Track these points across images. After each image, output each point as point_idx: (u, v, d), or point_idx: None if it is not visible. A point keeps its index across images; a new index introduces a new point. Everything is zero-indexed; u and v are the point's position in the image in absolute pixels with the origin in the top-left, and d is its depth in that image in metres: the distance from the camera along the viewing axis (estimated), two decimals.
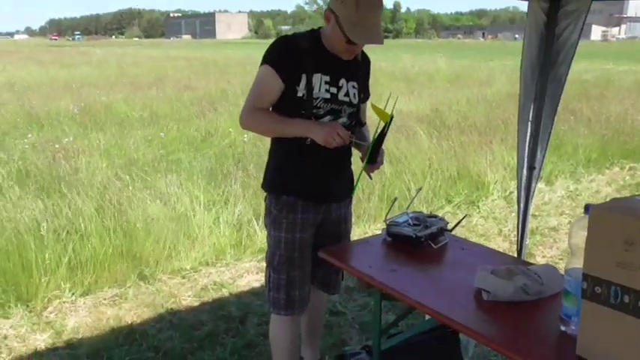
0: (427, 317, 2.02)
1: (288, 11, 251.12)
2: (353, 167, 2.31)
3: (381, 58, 22.67)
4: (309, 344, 2.58)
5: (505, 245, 4.45)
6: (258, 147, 6.69)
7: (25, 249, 3.62)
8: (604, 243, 1.24)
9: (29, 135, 7.87)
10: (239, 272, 3.88)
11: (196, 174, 5.69)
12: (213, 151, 7.21)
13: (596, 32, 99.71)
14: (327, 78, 2.04)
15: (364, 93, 2.23)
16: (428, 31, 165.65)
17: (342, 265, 2.13)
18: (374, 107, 2.06)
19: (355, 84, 2.13)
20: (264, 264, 2.34)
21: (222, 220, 4.43)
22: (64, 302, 3.38)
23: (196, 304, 3.45)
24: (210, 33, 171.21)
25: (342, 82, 2.09)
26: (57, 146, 6.81)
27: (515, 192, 3.50)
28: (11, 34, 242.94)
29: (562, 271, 1.55)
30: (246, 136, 7.20)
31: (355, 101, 2.14)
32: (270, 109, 2.10)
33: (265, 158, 2.28)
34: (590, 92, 12.83)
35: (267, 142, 2.30)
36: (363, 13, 1.89)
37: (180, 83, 15.45)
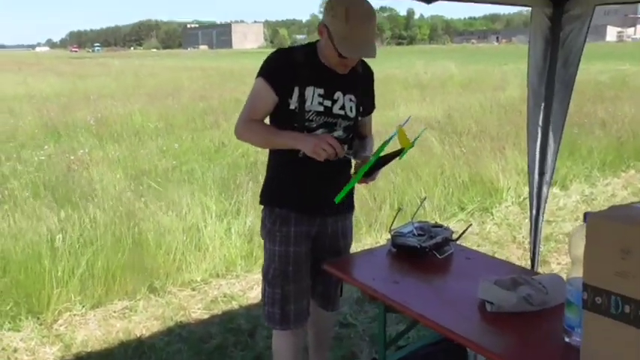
0: None
1: (303, 20, 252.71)
2: None
3: (395, 65, 22.66)
4: (316, 357, 2.54)
5: (519, 252, 4.38)
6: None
7: (40, 261, 3.65)
8: (602, 252, 1.21)
9: (45, 146, 7.99)
10: (249, 284, 3.87)
11: (209, 184, 5.70)
12: (226, 161, 7.23)
13: (612, 33, 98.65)
14: (320, 91, 2.02)
15: (366, 106, 2.20)
16: (442, 37, 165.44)
17: (345, 277, 2.11)
18: (400, 132, 1.93)
19: (353, 97, 2.10)
20: None
21: (234, 231, 4.43)
22: (74, 315, 3.40)
23: (206, 316, 3.44)
24: (227, 43, 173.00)
25: (338, 95, 2.06)
26: (72, 158, 6.91)
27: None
28: (33, 47, 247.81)
29: None
30: None
31: (352, 114, 2.10)
32: (268, 120, 2.09)
33: None
34: (605, 94, 12.67)
35: None
36: (354, 26, 1.87)
37: (196, 93, 15.56)
